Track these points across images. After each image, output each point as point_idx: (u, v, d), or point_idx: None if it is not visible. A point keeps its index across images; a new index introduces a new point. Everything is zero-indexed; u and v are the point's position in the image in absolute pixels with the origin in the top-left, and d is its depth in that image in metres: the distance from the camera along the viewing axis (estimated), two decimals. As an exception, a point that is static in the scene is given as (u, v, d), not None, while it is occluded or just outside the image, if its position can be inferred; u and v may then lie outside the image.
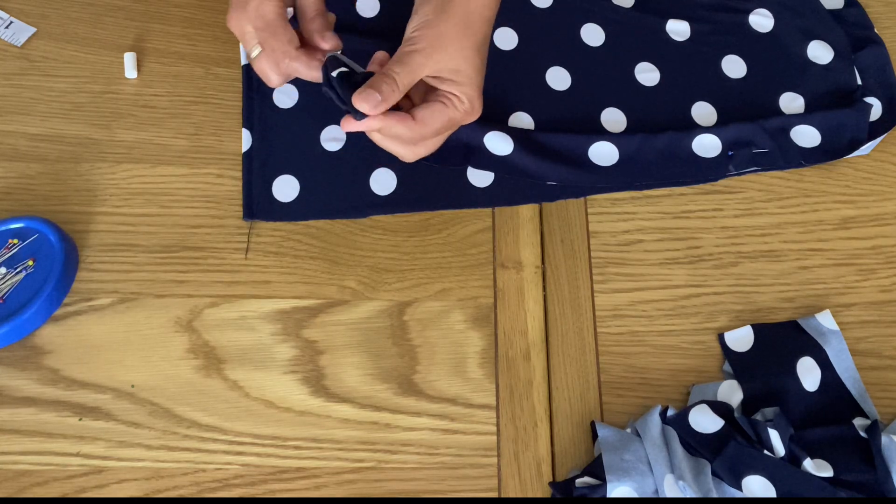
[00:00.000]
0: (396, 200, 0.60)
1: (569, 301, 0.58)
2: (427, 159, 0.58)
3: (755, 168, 0.63)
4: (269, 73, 0.55)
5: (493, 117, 0.62)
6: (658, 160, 0.62)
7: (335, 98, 0.53)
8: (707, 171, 0.62)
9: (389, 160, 0.60)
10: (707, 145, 0.62)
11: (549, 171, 0.61)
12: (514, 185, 0.61)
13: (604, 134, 0.62)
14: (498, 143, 0.61)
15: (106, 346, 0.55)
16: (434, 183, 0.61)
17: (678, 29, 0.68)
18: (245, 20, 0.54)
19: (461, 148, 0.61)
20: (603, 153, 0.62)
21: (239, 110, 0.63)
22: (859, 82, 0.67)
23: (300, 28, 0.56)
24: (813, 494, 0.49)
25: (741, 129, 0.63)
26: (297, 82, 0.64)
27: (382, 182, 0.60)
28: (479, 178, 0.61)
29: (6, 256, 0.56)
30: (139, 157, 0.61)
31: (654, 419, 0.52)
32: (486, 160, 0.61)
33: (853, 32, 0.69)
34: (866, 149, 0.64)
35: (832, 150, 0.63)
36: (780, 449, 0.50)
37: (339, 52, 0.55)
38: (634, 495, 0.49)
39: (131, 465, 0.52)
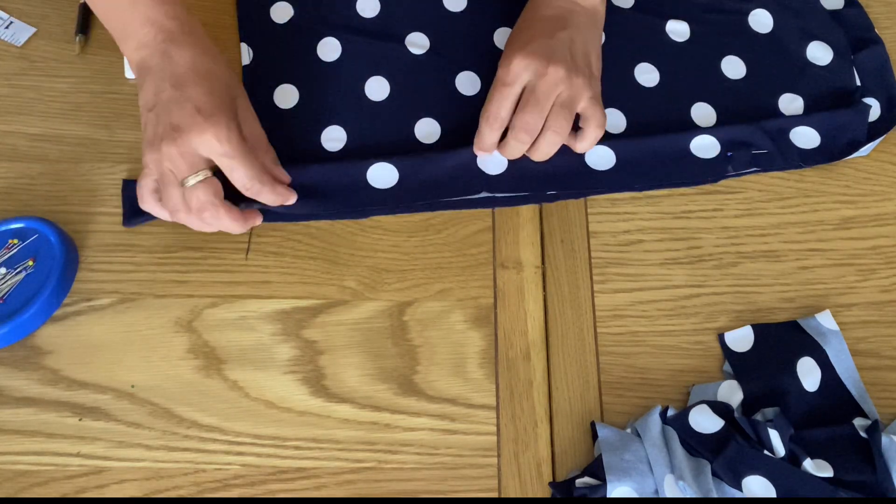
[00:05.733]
0: (396, 198, 0.60)
1: (569, 301, 0.58)
2: (429, 191, 0.60)
3: (754, 169, 0.63)
4: (221, 206, 0.53)
5: None
6: (656, 162, 0.62)
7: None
8: (706, 172, 0.62)
9: (390, 157, 0.60)
10: (705, 146, 0.62)
11: (548, 179, 0.61)
12: (517, 186, 0.61)
13: (602, 137, 0.62)
14: (492, 159, 0.61)
15: (106, 346, 0.55)
16: (435, 181, 0.60)
17: (678, 29, 0.68)
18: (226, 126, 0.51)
19: (460, 170, 0.61)
20: (601, 158, 0.62)
21: (239, 110, 0.63)
22: (858, 83, 0.67)
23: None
24: (813, 494, 0.49)
25: (740, 130, 0.63)
26: (298, 83, 0.64)
27: (382, 178, 0.60)
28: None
29: (6, 256, 0.56)
30: (139, 157, 0.60)
31: (654, 419, 0.52)
32: (480, 179, 0.61)
33: (853, 33, 0.69)
34: (866, 149, 0.64)
35: (831, 151, 0.63)
36: (780, 449, 0.50)
37: None
38: (634, 495, 0.49)
39: (131, 465, 0.52)
